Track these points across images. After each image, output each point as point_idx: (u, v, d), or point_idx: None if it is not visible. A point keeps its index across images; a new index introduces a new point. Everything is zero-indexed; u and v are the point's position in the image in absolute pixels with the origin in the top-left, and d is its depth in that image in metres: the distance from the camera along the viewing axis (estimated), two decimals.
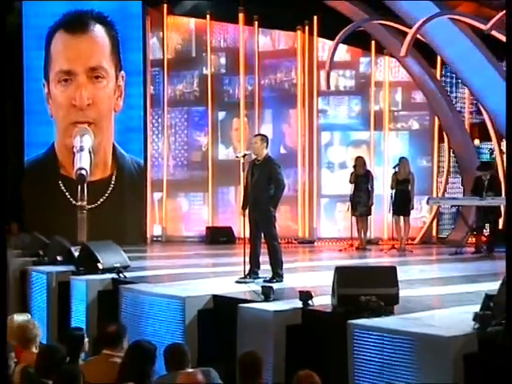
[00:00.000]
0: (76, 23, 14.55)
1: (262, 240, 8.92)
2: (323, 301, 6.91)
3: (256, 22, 15.32)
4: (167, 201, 15.79)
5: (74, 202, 14.37)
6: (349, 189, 13.82)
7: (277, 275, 8.53)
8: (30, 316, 7.20)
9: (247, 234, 8.97)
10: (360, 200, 13.39)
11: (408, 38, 12.69)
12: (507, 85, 6.23)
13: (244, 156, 8.92)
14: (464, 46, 14.08)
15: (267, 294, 7.16)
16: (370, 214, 13.76)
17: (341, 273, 6.59)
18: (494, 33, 13.21)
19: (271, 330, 6.66)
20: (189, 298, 7.62)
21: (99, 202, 14.45)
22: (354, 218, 13.65)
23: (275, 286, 8.05)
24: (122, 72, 14.61)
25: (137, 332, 7.74)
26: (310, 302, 6.69)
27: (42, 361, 5.25)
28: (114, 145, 14.78)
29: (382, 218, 14.74)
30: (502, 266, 11.02)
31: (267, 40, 15.76)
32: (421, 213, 15.34)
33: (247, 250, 8.90)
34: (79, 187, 13.87)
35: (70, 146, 14.48)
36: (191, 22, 15.65)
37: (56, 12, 14.62)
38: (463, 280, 9.36)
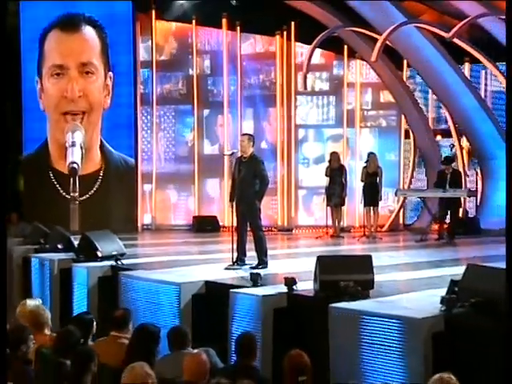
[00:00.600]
0: (69, 23, 14.48)
1: (248, 230, 8.94)
2: (306, 286, 6.94)
3: (238, 27, 15.40)
4: (156, 192, 15.81)
5: (64, 194, 14.13)
6: (324, 181, 13.92)
7: (262, 262, 8.59)
8: (40, 301, 7.13)
9: (235, 225, 8.98)
10: (334, 192, 13.48)
11: (378, 44, 12.82)
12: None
13: (231, 154, 9.03)
14: (428, 51, 14.34)
15: (255, 280, 7.20)
16: (344, 205, 13.85)
17: (322, 261, 6.68)
18: (455, 39, 13.52)
19: (260, 313, 6.69)
20: (184, 284, 7.65)
21: (89, 195, 14.30)
22: (328, 208, 13.73)
23: (261, 271, 8.03)
24: (110, 73, 14.53)
25: (135, 315, 7.45)
26: (294, 287, 6.75)
27: (59, 343, 5.33)
28: (101, 141, 14.70)
29: (354, 208, 14.96)
30: (463, 251, 11.43)
31: (249, 44, 15.78)
32: (388, 203, 15.51)
33: (234, 239, 8.90)
34: (71, 180, 13.91)
35: (62, 141, 13.90)
36: (178, 27, 15.65)
37: (51, 15, 14.50)
38: (429, 265, 9.44)
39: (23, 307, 6.62)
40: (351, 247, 12.41)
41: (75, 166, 14.21)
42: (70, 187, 13.80)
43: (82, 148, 14.35)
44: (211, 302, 7.63)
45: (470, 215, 14.80)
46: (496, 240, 12.84)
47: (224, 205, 15.39)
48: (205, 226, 15.09)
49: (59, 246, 10.70)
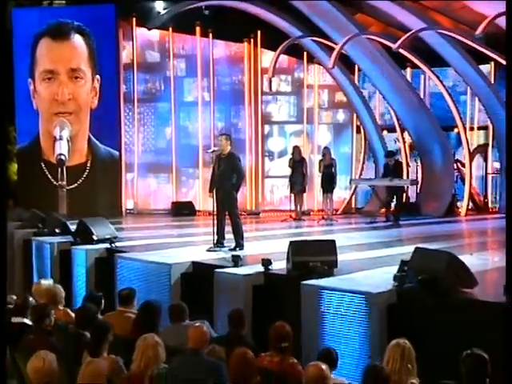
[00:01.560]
0: (59, 31, 14.24)
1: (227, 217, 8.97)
2: (279, 266, 7.02)
3: (210, 34, 15.41)
4: (138, 180, 15.76)
5: (54, 183, 14.23)
6: (287, 171, 14.13)
7: (239, 244, 8.66)
8: (52, 281, 7.24)
9: (215, 212, 8.96)
10: (296, 181, 13.67)
11: (335, 53, 13.01)
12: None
13: (213, 151, 9.11)
14: (375, 58, 14.58)
15: (236, 261, 7.26)
16: (305, 192, 14.04)
17: (294, 245, 6.85)
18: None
19: (241, 290, 6.78)
20: (174, 265, 7.63)
21: (78, 183, 14.28)
22: (292, 195, 13.91)
23: (239, 253, 8.10)
24: (98, 76, 14.33)
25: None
26: (270, 267, 6.87)
27: (80, 317, 5.46)
28: (89, 136, 14.51)
29: (313, 194, 15.23)
30: (407, 232, 11.66)
31: (220, 49, 15.77)
32: (343, 190, 15.74)
33: (215, 225, 8.89)
34: (59, 170, 13.81)
35: (52, 135, 14.24)
36: (156, 33, 15.51)
37: (42, 22, 14.31)
38: (380, 245, 9.55)
39: (38, 286, 6.72)
40: (312, 229, 12.56)
41: (62, 157, 14.36)
42: (58, 176, 14.06)
43: (68, 142, 14.51)
44: (197, 280, 7.61)
45: (411, 200, 15.06)
46: (433, 222, 13.46)
47: (199, 191, 15.57)
48: (182, 210, 15.07)
49: (57, 231, 10.67)
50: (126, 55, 15.50)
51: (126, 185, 15.55)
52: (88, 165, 14.62)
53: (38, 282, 6.98)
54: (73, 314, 6.23)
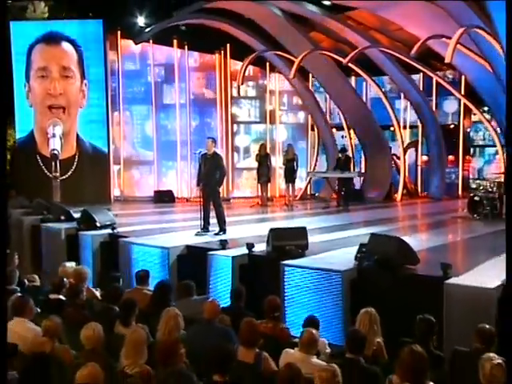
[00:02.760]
0: (51, 38, 14.17)
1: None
2: (260, 248, 7.19)
3: (186, 46, 15.39)
4: (124, 171, 15.69)
5: (48, 174, 14.17)
6: (251, 164, 14.56)
7: (222, 229, 8.81)
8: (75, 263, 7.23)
9: (202, 203, 9.02)
10: (263, 173, 13.87)
11: (295, 66, 13.25)
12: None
13: (199, 152, 9.20)
14: (327, 69, 14.96)
15: (224, 245, 7.42)
16: (270, 182, 14.23)
17: (273, 232, 7.07)
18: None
19: (230, 269, 6.87)
20: (171, 248, 7.72)
21: (69, 174, 14.24)
22: (259, 184, 14.18)
23: (223, 237, 8.22)
24: (85, 81, 14.25)
25: (132, 273, 7.39)
26: (253, 249, 7.06)
27: (110, 294, 5.67)
28: (77, 133, 14.42)
29: (275, 183, 15.52)
30: (356, 216, 12.01)
31: (194, 59, 15.81)
32: (301, 179, 15.84)
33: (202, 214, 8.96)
34: (53, 163, 13.78)
35: (46, 131, 14.14)
36: (139, 45, 15.23)
37: (36, 33, 14.19)
38: (336, 228, 9.65)
39: (64, 268, 6.79)
40: (278, 214, 12.68)
41: (55, 152, 14.38)
42: (52, 168, 14.06)
43: (61, 138, 14.56)
44: (191, 260, 7.66)
45: (357, 188, 15.35)
46: (375, 206, 13.87)
47: (177, 181, 15.69)
48: (163, 197, 15.05)
49: (62, 218, 10.53)
50: (112, 63, 15.32)
51: (113, 175, 15.41)
52: (76, 158, 14.53)
53: (63, 264, 6.98)
54: (95, 291, 6.45)
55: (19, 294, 5.75)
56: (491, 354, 3.46)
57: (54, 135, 14.22)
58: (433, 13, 11.88)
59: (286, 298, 6.26)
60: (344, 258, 6.72)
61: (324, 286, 6.04)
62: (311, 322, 4.78)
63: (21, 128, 14.76)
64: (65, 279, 6.11)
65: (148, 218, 11.87)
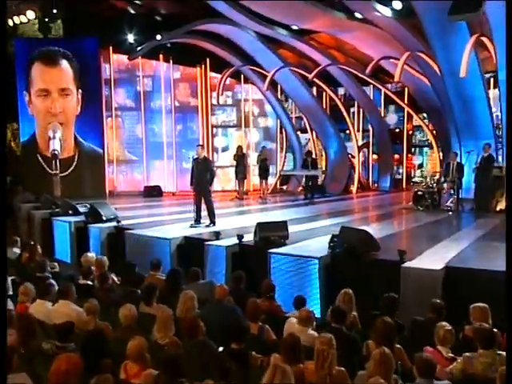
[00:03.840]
0: (49, 58, 14.01)
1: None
2: (248, 238, 7.28)
3: (171, 60, 15.51)
4: (117, 169, 15.74)
5: (49, 171, 13.96)
6: (228, 162, 14.80)
7: (212, 222, 8.98)
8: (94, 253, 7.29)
9: (195, 200, 9.16)
10: (240, 170, 14.13)
11: (267, 80, 13.68)
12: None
13: (192, 157, 9.38)
14: (293, 81, 15.27)
15: (218, 236, 7.60)
16: (246, 178, 14.53)
17: (260, 225, 7.29)
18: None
19: (224, 257, 7.08)
20: (172, 239, 7.83)
21: (68, 172, 14.19)
22: (237, 180, 14.38)
23: (213, 228, 8.49)
24: (80, 90, 14.14)
25: (138, 261, 7.27)
26: (242, 239, 7.22)
27: (134, 279, 5.84)
28: (75, 135, 14.37)
29: (250, 179, 15.67)
30: (321, 208, 12.34)
31: (178, 72, 15.91)
32: (272, 176, 16.13)
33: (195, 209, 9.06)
34: (53, 162, 13.66)
35: (47, 137, 14.09)
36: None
37: (37, 48, 14.04)
38: (307, 220, 9.68)
39: (86, 258, 6.89)
40: (255, 207, 12.79)
41: (56, 152, 14.41)
42: (53, 167, 14.09)
43: (60, 140, 14.59)
44: (189, 250, 7.75)
45: (319, 183, 15.43)
46: (336, 199, 14.17)
47: (164, 178, 15.81)
48: (152, 192, 15.17)
49: (70, 212, 10.64)
50: (106, 75, 15.35)
51: (107, 172, 15.38)
52: (75, 157, 14.52)
53: (85, 255, 7.05)
54: (114, 277, 6.50)
55: (52, 280, 5.79)
56: (443, 323, 4.01)
57: (54, 137, 14.21)
58: (380, 37, 12.49)
59: (272, 280, 6.29)
60: (319, 246, 6.92)
61: (304, 270, 6.31)
62: (300, 300, 5.14)
63: (23, 131, 14.69)
64: (92, 267, 6.30)
65: (145, 211, 11.82)
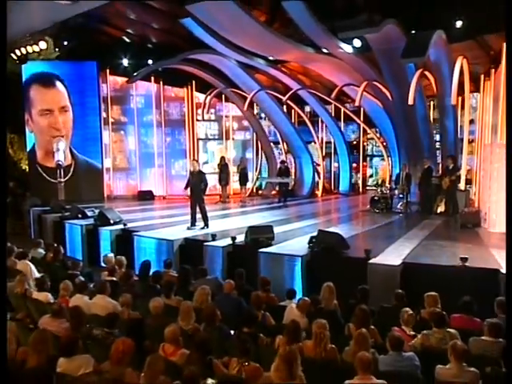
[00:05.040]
0: (46, 80, 14.20)
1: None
2: (239, 239, 7.51)
3: (161, 82, 15.60)
4: (113, 176, 15.77)
5: (48, 179, 14.13)
6: (212, 170, 14.90)
7: (206, 225, 9.17)
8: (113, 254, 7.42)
9: (190, 206, 9.30)
10: (223, 178, 14.44)
11: (247, 101, 14.02)
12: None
13: (191, 170, 9.57)
14: (268, 101, 15.59)
15: (214, 237, 7.80)
16: (228, 184, 14.77)
17: (250, 228, 7.57)
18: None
19: (221, 256, 7.30)
20: (175, 240, 7.98)
21: (67, 178, 14.14)
22: (220, 186, 14.66)
23: (207, 230, 8.64)
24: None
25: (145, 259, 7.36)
26: (235, 240, 7.47)
27: (154, 277, 6.04)
28: (70, 148, 14.52)
29: (230, 185, 15.65)
30: (294, 211, 12.49)
31: (168, 91, 16.00)
32: (250, 182, 16.36)
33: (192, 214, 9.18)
34: (58, 171, 13.75)
35: (47, 147, 14.24)
36: (124, 79, 15.46)
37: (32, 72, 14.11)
38: (284, 222, 9.75)
39: (108, 258, 7.10)
40: (237, 210, 12.93)
41: (60, 162, 14.53)
42: (58, 175, 14.16)
43: (64, 152, 14.68)
44: (190, 250, 7.90)
45: (289, 188, 15.69)
46: (305, 202, 14.52)
47: (155, 183, 15.87)
48: (145, 196, 15.23)
49: (79, 216, 10.73)
50: (103, 94, 15.30)
51: (105, 179, 15.40)
52: (72, 166, 14.64)
53: (105, 255, 7.21)
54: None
55: (82, 278, 6.19)
56: (406, 308, 4.54)
57: (58, 149, 14.34)
58: (342, 67, 13.10)
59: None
60: (298, 246, 7.22)
61: (289, 266, 6.66)
62: (291, 292, 5.58)
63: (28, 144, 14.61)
64: (116, 266, 6.51)
65: (144, 214, 11.79)
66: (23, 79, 14.11)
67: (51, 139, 14.19)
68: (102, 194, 15.18)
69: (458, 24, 10.34)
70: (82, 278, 6.18)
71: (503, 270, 5.71)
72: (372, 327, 4.42)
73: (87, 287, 5.60)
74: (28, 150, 14.61)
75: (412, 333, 4.38)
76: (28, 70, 14.07)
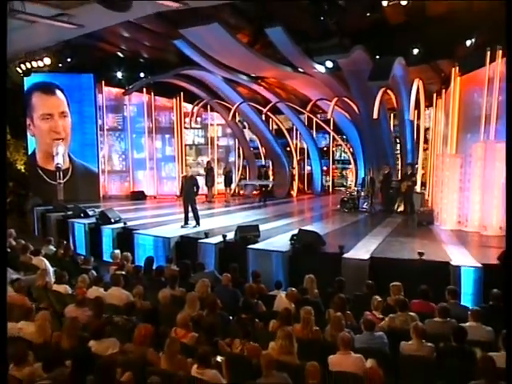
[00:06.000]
0: (47, 88, 14.22)
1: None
2: (229, 236, 7.54)
3: (152, 93, 15.63)
4: (108, 178, 15.74)
5: (48, 181, 14.10)
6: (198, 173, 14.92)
7: (197, 223, 9.24)
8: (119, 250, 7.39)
9: (183, 207, 9.30)
10: (209, 180, 14.58)
11: (232, 112, 14.26)
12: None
13: (184, 174, 9.74)
14: (249, 111, 15.76)
15: (207, 235, 7.91)
16: (213, 186, 14.93)
17: (239, 227, 7.66)
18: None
19: (213, 252, 7.39)
20: (171, 238, 8.03)
21: (65, 180, 13.99)
22: (206, 187, 14.59)
23: (199, 228, 8.67)
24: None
25: (144, 254, 7.65)
26: (226, 238, 7.53)
27: (158, 271, 6.22)
28: (68, 153, 14.50)
29: (215, 186, 15.93)
30: (273, 210, 12.53)
31: (159, 101, 16.03)
32: (233, 183, 16.42)
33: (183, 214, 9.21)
34: (57, 173, 13.63)
35: (48, 151, 14.14)
36: (119, 90, 15.40)
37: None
38: (265, 221, 9.73)
39: (115, 254, 7.12)
40: (222, 209, 12.85)
41: (59, 165, 14.53)
42: (57, 176, 14.16)
43: (63, 156, 14.65)
44: (185, 246, 7.96)
45: (269, 189, 15.97)
46: (283, 201, 14.65)
47: (147, 184, 15.90)
48: (137, 196, 15.21)
49: (81, 215, 10.75)
50: (99, 103, 15.26)
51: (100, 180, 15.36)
52: (70, 169, 14.60)
53: (112, 251, 7.27)
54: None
55: (94, 272, 6.46)
56: (376, 296, 4.98)
57: (57, 153, 14.33)
58: (315, 83, 13.52)
59: (250, 269, 6.66)
60: (281, 242, 7.40)
61: (273, 261, 6.85)
62: (279, 283, 5.88)
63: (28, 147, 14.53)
64: (124, 261, 6.66)
65: (139, 213, 11.73)
66: (25, 88, 14.05)
67: (51, 142, 14.10)
68: (98, 194, 15.18)
69: (415, 51, 10.85)
70: (95, 272, 6.41)
71: (453, 263, 6.18)
72: (348, 312, 4.79)
73: (102, 280, 5.81)
74: (29, 153, 14.53)
75: (381, 316, 4.75)
76: (30, 80, 13.97)
